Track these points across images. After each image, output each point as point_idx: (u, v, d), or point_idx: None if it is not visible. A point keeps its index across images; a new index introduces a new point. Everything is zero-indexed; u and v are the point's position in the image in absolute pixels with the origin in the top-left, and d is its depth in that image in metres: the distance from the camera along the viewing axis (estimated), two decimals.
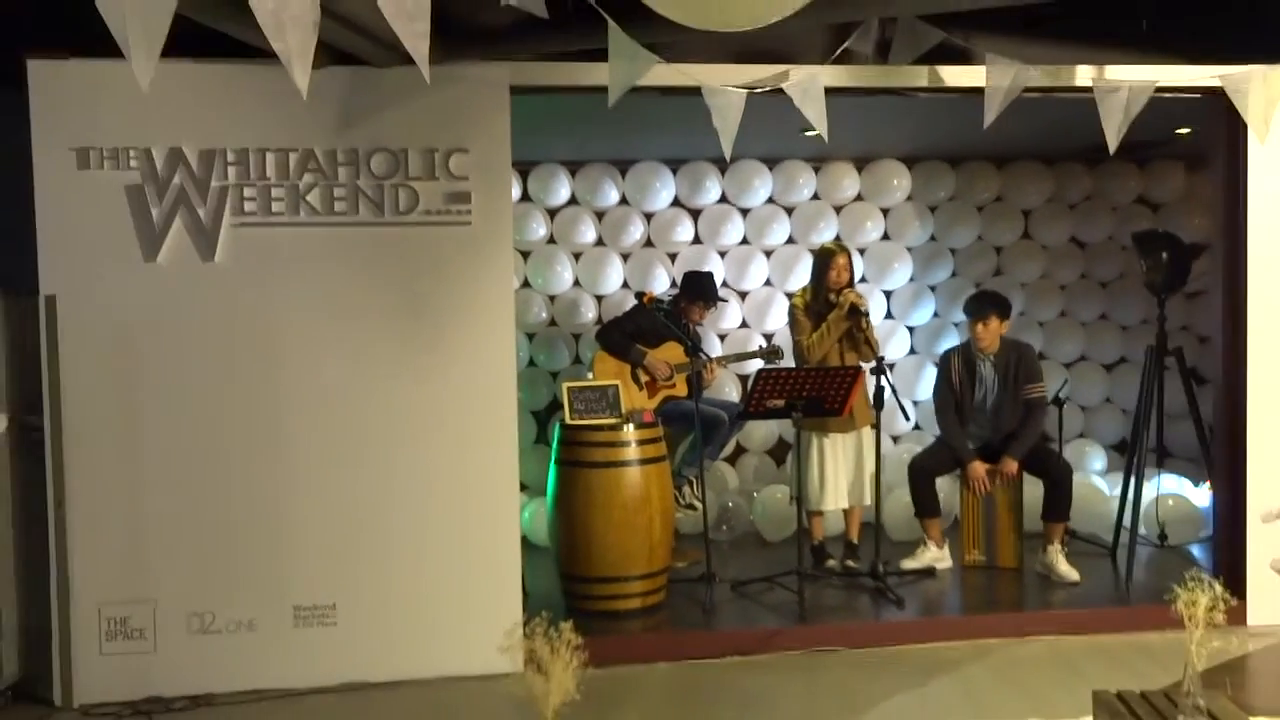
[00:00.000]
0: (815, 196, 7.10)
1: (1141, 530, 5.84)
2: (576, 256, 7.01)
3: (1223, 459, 5.27)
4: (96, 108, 4.27)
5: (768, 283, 7.13)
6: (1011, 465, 5.70)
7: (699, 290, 6.12)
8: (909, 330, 7.25)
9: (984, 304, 5.79)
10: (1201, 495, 6.36)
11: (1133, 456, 5.82)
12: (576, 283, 7.02)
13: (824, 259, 5.69)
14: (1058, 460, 5.82)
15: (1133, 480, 5.75)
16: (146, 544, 4.38)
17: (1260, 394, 5.05)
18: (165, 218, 4.33)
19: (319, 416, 4.46)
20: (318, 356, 4.45)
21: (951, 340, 7.04)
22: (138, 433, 4.36)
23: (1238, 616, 4.91)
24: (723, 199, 7.05)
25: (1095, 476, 6.86)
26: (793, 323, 5.80)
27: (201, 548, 4.41)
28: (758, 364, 6.27)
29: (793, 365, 5.75)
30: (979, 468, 5.74)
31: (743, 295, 7.12)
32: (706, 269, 6.60)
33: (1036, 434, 5.79)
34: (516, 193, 6.75)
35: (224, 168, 4.36)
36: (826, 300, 5.61)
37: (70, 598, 4.33)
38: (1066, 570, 5.51)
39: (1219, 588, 3.11)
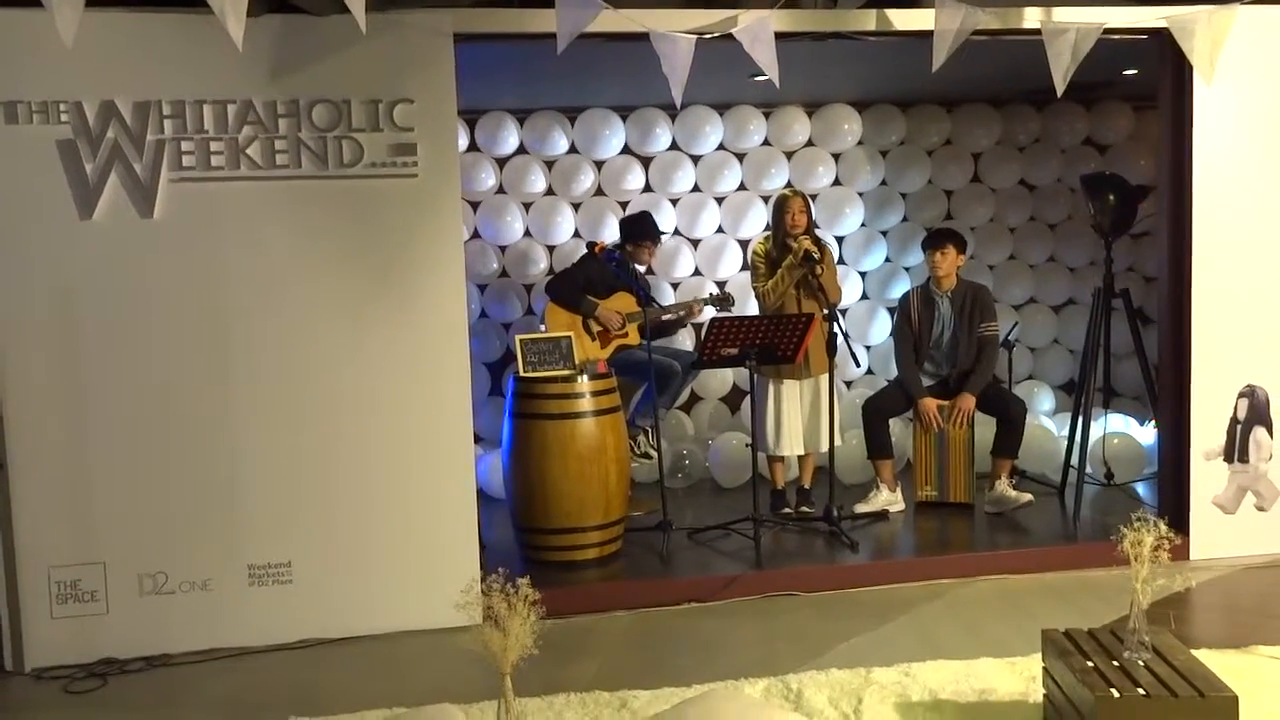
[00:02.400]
0: (766, 142, 7.06)
1: (1088, 469, 5.95)
2: (526, 206, 6.94)
3: (1167, 398, 5.36)
4: (25, 59, 4.11)
5: (720, 230, 7.10)
6: (969, 401, 5.77)
7: (643, 229, 6.06)
8: (860, 275, 7.26)
9: (942, 235, 5.93)
10: (1147, 434, 6.48)
11: (1080, 397, 5.91)
12: (527, 233, 6.95)
13: (779, 205, 5.69)
14: (1012, 399, 5.92)
15: (1080, 420, 5.84)
16: (95, 505, 4.31)
17: (1203, 334, 5.13)
18: (100, 174, 4.21)
19: (268, 373, 4.39)
20: (263, 313, 4.38)
21: (904, 285, 7.07)
22: (81, 393, 4.27)
23: (1180, 552, 5.02)
24: (673, 146, 6.99)
25: (1044, 417, 6.97)
26: (752, 270, 5.80)
27: (151, 508, 4.34)
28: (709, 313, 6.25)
29: (738, 314, 5.75)
30: (930, 403, 5.82)
31: (695, 243, 7.09)
32: (641, 212, 6.51)
33: (991, 370, 5.88)
34: (463, 142, 6.65)
35: (160, 120, 4.24)
36: (785, 246, 5.60)
37: (17, 560, 4.26)
38: (1015, 495, 5.62)
39: (1164, 527, 3.17)
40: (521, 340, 5.26)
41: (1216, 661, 3.37)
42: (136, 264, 4.27)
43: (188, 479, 4.36)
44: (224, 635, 4.40)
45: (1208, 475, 5.18)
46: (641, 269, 6.16)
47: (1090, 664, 3.17)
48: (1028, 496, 5.62)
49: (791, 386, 5.72)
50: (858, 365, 5.78)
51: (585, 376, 5.14)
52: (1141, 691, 2.99)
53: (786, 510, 5.83)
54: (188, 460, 4.36)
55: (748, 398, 6.15)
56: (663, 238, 6.33)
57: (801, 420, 5.76)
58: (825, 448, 5.69)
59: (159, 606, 4.36)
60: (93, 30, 3.74)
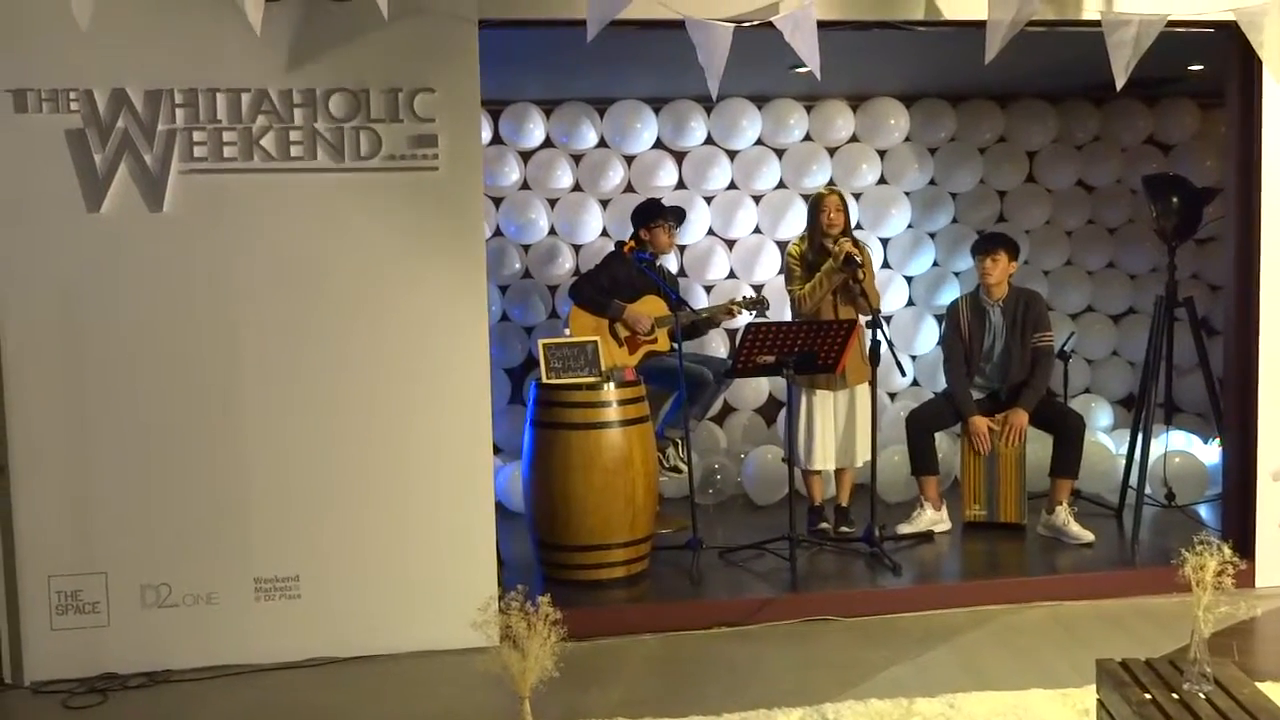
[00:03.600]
0: (807, 138, 7.07)
1: (1148, 489, 5.91)
2: (552, 203, 6.98)
3: (1233, 415, 5.32)
4: (34, 46, 4.19)
5: (757, 230, 7.11)
6: (1022, 417, 5.74)
7: (652, 209, 6.03)
8: (907, 280, 7.26)
9: (993, 240, 5.90)
10: (1210, 453, 6.44)
11: (1140, 412, 5.87)
12: (552, 231, 6.99)
13: (815, 203, 5.69)
14: (1069, 413, 5.89)
15: (1140, 437, 5.80)
16: (97, 513, 4.37)
17: (1272, 346, 5.10)
18: (109, 165, 4.28)
19: (277, 377, 4.44)
20: (274, 312, 4.43)
21: (953, 291, 7.07)
22: (84, 394, 4.33)
23: (1246, 578, 4.97)
24: (708, 140, 7.02)
25: (1101, 434, 6.93)
26: (787, 272, 5.81)
27: (155, 516, 4.40)
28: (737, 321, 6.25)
29: (774, 319, 5.76)
30: (981, 422, 5.79)
31: (730, 244, 7.10)
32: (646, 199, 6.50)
33: (1045, 384, 5.85)
34: (487, 135, 6.70)
35: (171, 110, 4.30)
36: (821, 248, 5.61)
37: (17, 569, 4.33)
38: (1079, 532, 5.57)
39: (1227, 550, 3.16)
40: (545, 345, 5.29)
41: None
42: (144, 259, 4.33)
43: (193, 486, 4.42)
44: (229, 652, 4.45)
45: (1275, 497, 5.14)
46: (671, 266, 6.16)
47: (1148, 696, 3.15)
48: (1089, 536, 5.55)
49: (825, 398, 5.71)
50: (903, 375, 5.76)
51: (612, 384, 5.16)
52: None
53: (824, 528, 5.83)
54: (194, 466, 4.41)
55: (784, 409, 6.15)
56: (684, 219, 6.29)
57: (835, 433, 5.75)
58: (861, 463, 5.69)
59: (162, 620, 4.42)
60: (105, 16, 3.81)
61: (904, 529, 5.78)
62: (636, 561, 5.21)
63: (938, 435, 6.00)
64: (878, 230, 7.13)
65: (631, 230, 6.11)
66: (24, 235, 4.26)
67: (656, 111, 6.91)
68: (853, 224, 5.97)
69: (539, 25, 4.62)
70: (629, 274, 5.91)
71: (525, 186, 6.96)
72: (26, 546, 4.34)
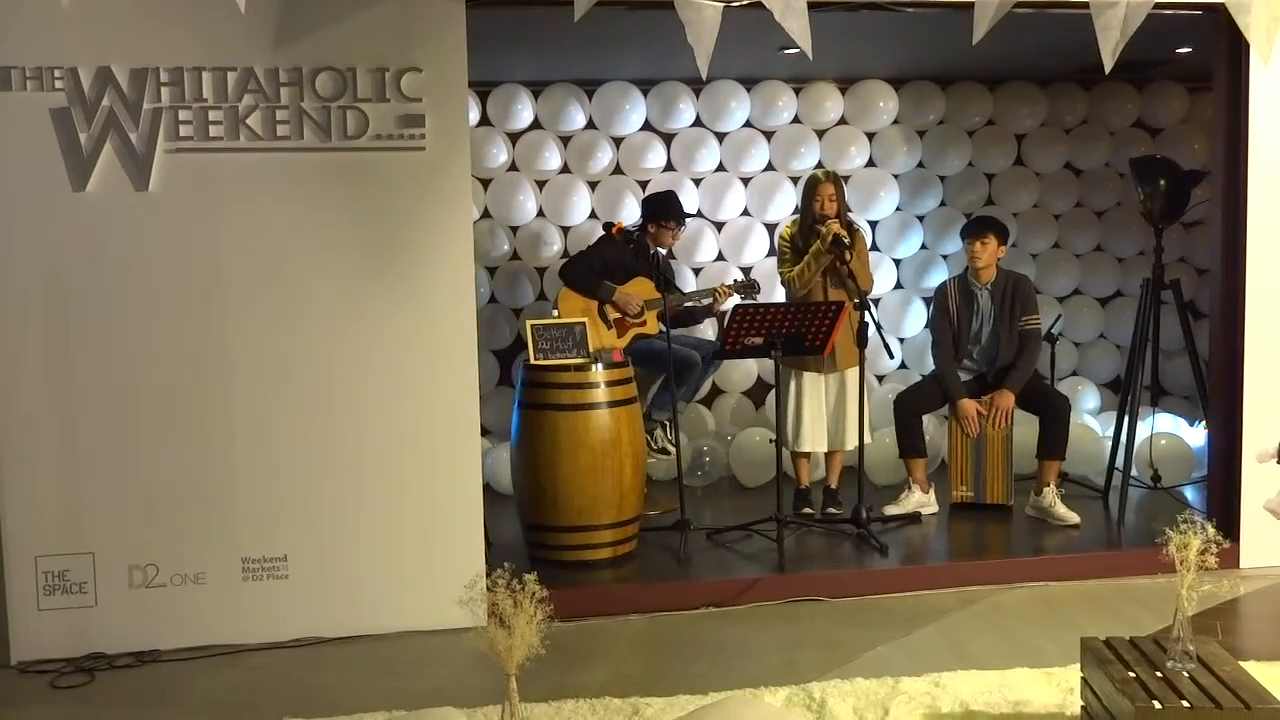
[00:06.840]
0: (796, 120, 7.06)
1: (1134, 471, 5.94)
2: (540, 185, 6.96)
3: (1218, 397, 5.35)
4: (18, 23, 4.16)
5: (745, 212, 7.11)
6: (1008, 398, 5.77)
7: (667, 209, 6.06)
8: (895, 263, 7.26)
9: (983, 223, 5.92)
10: (1196, 435, 6.47)
11: (1126, 395, 5.90)
12: (540, 213, 6.98)
13: (810, 188, 5.69)
14: (1055, 394, 5.92)
15: (1126, 419, 5.84)
16: (84, 492, 4.36)
17: (1258, 329, 5.12)
18: (94, 143, 4.25)
19: (266, 356, 4.44)
20: (261, 293, 4.42)
21: (941, 274, 7.08)
22: (70, 373, 4.32)
23: (1230, 559, 5.00)
24: (697, 122, 7.00)
25: (1088, 416, 6.97)
26: (778, 255, 5.81)
27: (142, 496, 4.40)
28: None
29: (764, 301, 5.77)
30: (970, 405, 5.81)
31: (719, 226, 7.10)
32: (665, 191, 6.52)
33: (1032, 367, 5.88)
34: (475, 116, 6.68)
35: (157, 88, 4.28)
36: (812, 231, 5.62)
37: (3, 550, 4.33)
38: (1065, 513, 5.61)
39: (1211, 530, 3.19)
40: (532, 325, 5.28)
41: (1265, 673, 3.38)
42: (130, 238, 4.31)
43: (181, 466, 4.41)
44: (216, 631, 4.45)
45: (1259, 478, 5.16)
46: (663, 252, 6.18)
47: (1131, 674, 3.18)
48: (1076, 518, 5.59)
49: (815, 380, 5.73)
50: (891, 358, 5.78)
51: (600, 365, 5.16)
52: (1185, 703, 2.99)
53: (807, 511, 5.84)
54: (181, 446, 4.41)
55: (772, 392, 6.17)
56: (688, 220, 6.32)
57: (825, 416, 5.77)
58: (851, 445, 5.70)
59: (149, 600, 4.42)
60: None
61: (891, 510, 5.81)
62: (624, 542, 5.23)
63: (925, 417, 6.03)
64: (866, 213, 7.13)
65: (640, 214, 6.11)
66: (8, 214, 4.23)
67: (645, 93, 6.89)
68: (847, 207, 5.93)
69: (527, 5, 4.61)
70: (620, 256, 5.91)
71: (513, 168, 6.94)
72: (13, 526, 4.33)
